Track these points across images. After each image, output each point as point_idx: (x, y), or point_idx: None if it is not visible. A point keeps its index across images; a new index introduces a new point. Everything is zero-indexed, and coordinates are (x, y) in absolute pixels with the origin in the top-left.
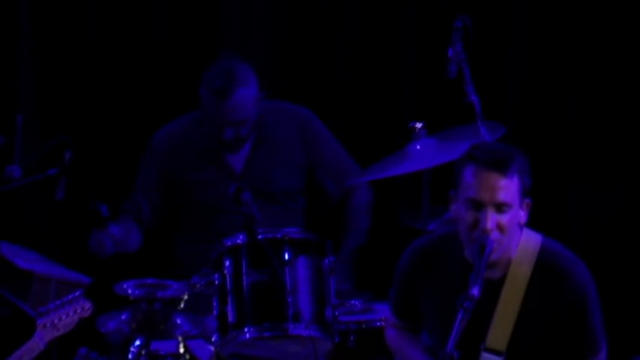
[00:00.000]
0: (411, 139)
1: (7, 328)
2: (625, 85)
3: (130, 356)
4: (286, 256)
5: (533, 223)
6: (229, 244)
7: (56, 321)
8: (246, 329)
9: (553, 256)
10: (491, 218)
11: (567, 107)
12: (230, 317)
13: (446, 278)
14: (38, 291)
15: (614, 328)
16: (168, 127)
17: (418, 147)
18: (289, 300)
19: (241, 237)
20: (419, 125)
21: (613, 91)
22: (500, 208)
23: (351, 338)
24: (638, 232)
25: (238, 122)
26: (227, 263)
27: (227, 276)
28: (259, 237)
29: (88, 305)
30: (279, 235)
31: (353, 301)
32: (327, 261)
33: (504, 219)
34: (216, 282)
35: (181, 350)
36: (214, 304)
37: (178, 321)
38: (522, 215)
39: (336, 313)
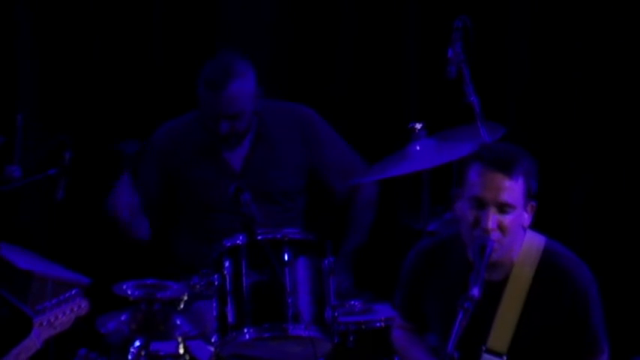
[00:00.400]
0: (411, 139)
1: (5, 326)
2: (626, 85)
3: (129, 357)
4: (286, 257)
5: (533, 223)
6: (229, 244)
7: (53, 319)
8: (245, 330)
9: (556, 257)
10: (493, 218)
11: (567, 108)
12: (230, 318)
13: (450, 279)
14: (37, 291)
15: (614, 328)
16: (168, 125)
17: (418, 147)
18: (289, 300)
19: (241, 238)
20: (419, 126)
21: (613, 91)
22: (502, 208)
23: (351, 339)
24: (639, 232)
25: (234, 115)
26: (227, 264)
27: (227, 277)
28: (259, 237)
29: (84, 304)
30: (278, 236)
31: (352, 302)
32: (326, 261)
33: (506, 220)
34: (216, 283)
35: (181, 351)
36: (214, 304)
37: (178, 322)
38: (526, 218)
39: (336, 314)
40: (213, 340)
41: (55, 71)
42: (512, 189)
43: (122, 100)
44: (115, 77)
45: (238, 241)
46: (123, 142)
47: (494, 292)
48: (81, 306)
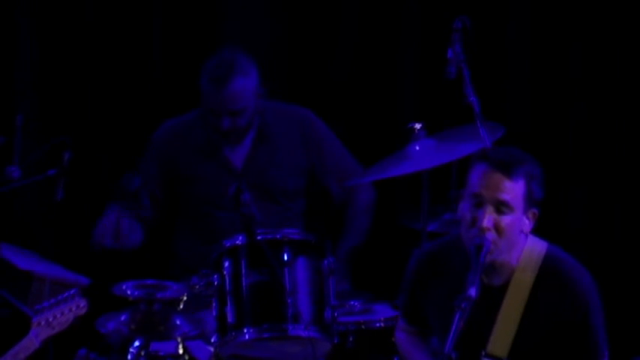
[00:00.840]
0: (411, 139)
1: (3, 326)
2: (626, 86)
3: (129, 357)
4: (285, 257)
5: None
6: (228, 244)
7: (51, 319)
8: (245, 330)
9: (557, 263)
10: (489, 217)
11: (567, 108)
12: (229, 318)
13: (452, 282)
14: (37, 291)
15: (614, 329)
16: (169, 123)
17: (417, 148)
18: (288, 301)
19: (240, 238)
20: (418, 126)
21: (614, 91)
22: (500, 208)
23: (350, 339)
24: (638, 233)
25: (236, 111)
26: (226, 264)
27: (226, 277)
28: (259, 238)
29: (83, 303)
30: (278, 236)
31: (352, 302)
32: (326, 262)
33: (503, 221)
34: (216, 283)
35: (180, 351)
36: (214, 304)
37: (178, 322)
38: (527, 224)
39: (336, 314)
40: (212, 340)
41: (55, 72)
42: (510, 189)
43: (122, 101)
44: (114, 77)
45: (238, 242)
46: (126, 177)
47: (495, 296)
48: (79, 306)
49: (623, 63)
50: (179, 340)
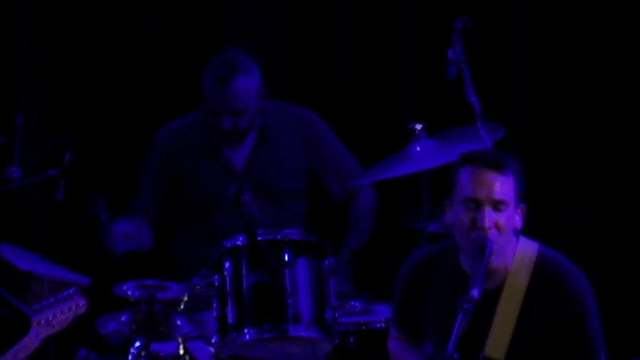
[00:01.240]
0: (411, 140)
1: (3, 325)
2: (626, 86)
3: (129, 357)
4: (286, 258)
5: (533, 225)
6: (229, 245)
7: (51, 318)
8: (246, 330)
9: (550, 264)
10: (490, 216)
11: (567, 108)
12: (230, 318)
13: (443, 289)
14: (37, 291)
15: (614, 329)
16: (170, 125)
17: (418, 148)
18: (289, 301)
19: (241, 238)
20: (419, 126)
21: (613, 91)
22: (497, 206)
23: (351, 339)
24: (638, 233)
25: (237, 111)
26: (227, 265)
27: (227, 277)
28: (259, 238)
29: (82, 302)
30: (279, 237)
31: (353, 303)
32: (326, 262)
33: (502, 218)
34: (216, 283)
35: (181, 352)
36: (214, 305)
37: (178, 322)
38: (518, 220)
39: (336, 315)
40: (213, 340)
41: (55, 72)
42: (504, 185)
43: (122, 101)
44: (115, 78)
45: (238, 242)
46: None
47: (490, 300)
48: (79, 304)
49: (623, 63)
50: (180, 340)
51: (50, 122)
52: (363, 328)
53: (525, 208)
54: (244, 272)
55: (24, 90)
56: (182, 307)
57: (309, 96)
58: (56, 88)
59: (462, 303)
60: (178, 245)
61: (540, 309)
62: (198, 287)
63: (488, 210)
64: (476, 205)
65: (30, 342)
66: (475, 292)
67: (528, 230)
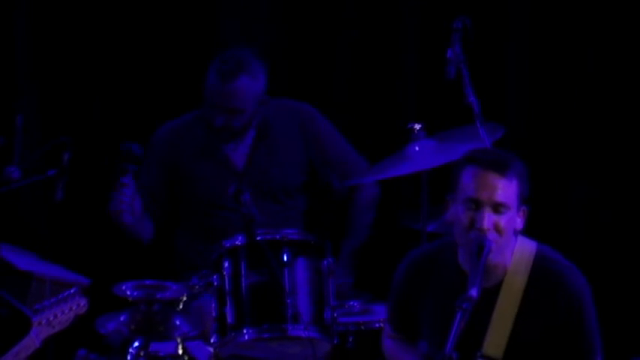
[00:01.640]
0: (410, 140)
1: (3, 326)
2: (625, 86)
3: (128, 357)
4: (285, 258)
5: (533, 225)
6: (228, 245)
7: (51, 318)
8: (245, 330)
9: (548, 263)
10: (489, 218)
11: (567, 108)
12: (229, 318)
13: (441, 288)
14: (36, 291)
15: (613, 328)
16: (169, 124)
17: (417, 148)
18: (288, 301)
19: (240, 238)
20: (418, 126)
21: (613, 91)
22: (497, 208)
23: (350, 339)
24: (638, 233)
25: (233, 110)
26: (226, 264)
27: (226, 277)
28: (258, 238)
29: (83, 302)
30: (277, 237)
31: (352, 302)
32: (325, 262)
33: (502, 220)
34: (215, 283)
35: (180, 351)
36: (213, 305)
37: (177, 322)
38: (519, 222)
39: (335, 315)
40: (212, 340)
41: (55, 72)
42: (506, 188)
43: (122, 101)
44: (114, 78)
45: (237, 242)
46: (129, 142)
47: (489, 298)
48: (80, 305)
49: (624, 63)
50: (179, 340)
51: (50, 122)
52: (362, 328)
53: (527, 210)
54: (243, 272)
55: (24, 90)
56: (181, 306)
57: (308, 96)
58: (56, 88)
59: (460, 302)
60: (178, 244)
61: (538, 308)
62: (197, 287)
63: (488, 211)
64: (476, 205)
65: (30, 342)
66: (474, 292)
67: (528, 230)
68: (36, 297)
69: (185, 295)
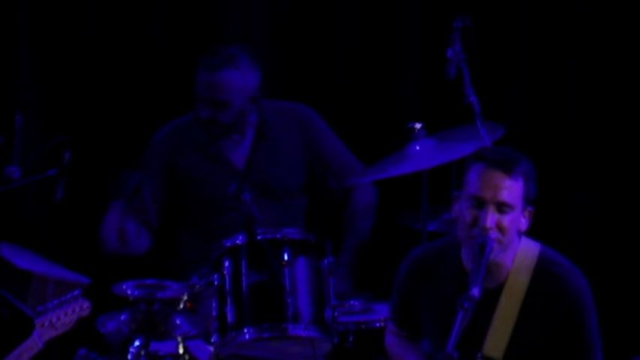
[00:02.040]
0: (411, 139)
1: (6, 327)
2: (625, 86)
3: (129, 357)
4: (286, 257)
5: (533, 225)
6: (229, 244)
7: (55, 320)
8: (245, 330)
9: (551, 264)
10: (492, 217)
11: (567, 108)
12: (229, 318)
13: (444, 286)
14: (37, 291)
15: (613, 328)
16: (169, 125)
17: (417, 147)
18: (289, 300)
19: (241, 237)
20: (418, 126)
21: (613, 91)
22: (501, 208)
23: (350, 339)
24: (638, 233)
25: (217, 103)
26: (226, 264)
27: (226, 276)
28: (259, 237)
29: (86, 304)
30: (278, 236)
31: (352, 302)
32: (326, 261)
33: (505, 220)
34: (216, 282)
35: (181, 351)
36: (214, 304)
37: (178, 321)
38: (523, 222)
39: (336, 314)
40: (212, 340)
41: (55, 71)
42: (511, 188)
43: (122, 100)
44: (115, 77)
45: (238, 241)
46: (125, 174)
47: (491, 299)
48: (83, 307)
49: (625, 62)
50: (179, 339)
51: (50, 122)
52: (363, 327)
53: (533, 211)
54: (244, 271)
55: (24, 89)
56: (181, 306)
57: (308, 95)
58: (56, 87)
59: (462, 302)
60: (180, 245)
61: (539, 309)
62: (197, 286)
63: (491, 210)
64: (480, 203)
65: (33, 344)
66: (475, 291)
67: (527, 233)
68: (37, 296)
69: (186, 294)
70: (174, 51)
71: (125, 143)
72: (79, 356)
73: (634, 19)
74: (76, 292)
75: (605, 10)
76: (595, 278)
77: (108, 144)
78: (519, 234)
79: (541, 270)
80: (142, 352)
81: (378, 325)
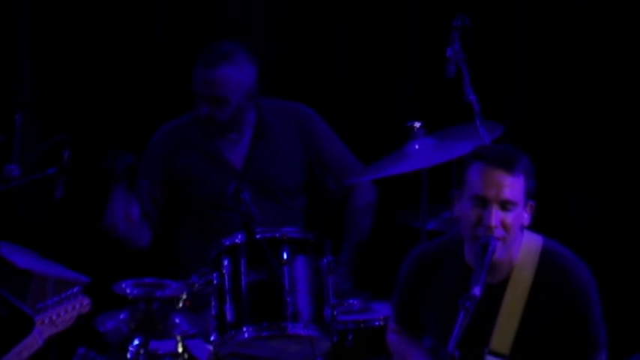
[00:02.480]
0: (410, 138)
1: (6, 325)
2: (625, 85)
3: (128, 355)
4: (285, 256)
5: (533, 225)
6: (228, 243)
7: (54, 317)
8: (244, 329)
9: (555, 257)
10: (496, 215)
11: (567, 107)
12: (229, 317)
13: (447, 284)
14: (36, 290)
15: (614, 327)
16: (168, 125)
17: (417, 146)
18: (288, 299)
19: (240, 236)
20: (417, 124)
21: (613, 90)
22: (505, 206)
23: (350, 338)
24: (638, 232)
25: (216, 99)
26: (226, 262)
27: (226, 275)
28: (258, 236)
29: (86, 301)
30: (277, 235)
31: (351, 301)
32: (325, 260)
33: (509, 217)
34: (215, 281)
35: (180, 350)
36: (213, 303)
37: (177, 320)
38: (526, 217)
39: (335, 313)
40: (212, 338)
41: (55, 71)
42: (513, 186)
43: (122, 99)
44: (114, 77)
45: (237, 240)
46: (110, 158)
47: (496, 293)
48: (83, 304)
49: (625, 61)
50: (178, 338)
51: (49, 120)
52: (362, 326)
53: (534, 205)
54: (243, 270)
55: (23, 88)
56: (180, 305)
57: (308, 94)
58: (56, 86)
59: (463, 301)
60: (178, 245)
61: (545, 302)
62: (196, 285)
63: (495, 209)
64: (484, 203)
65: (33, 341)
66: (477, 291)
67: (528, 228)
68: (37, 295)
69: (185, 293)
70: (174, 51)
71: (125, 142)
72: (78, 355)
73: (634, 18)
74: (75, 289)
75: (605, 9)
76: (595, 277)
77: (108, 142)
78: (522, 228)
79: (545, 263)
80: (141, 351)
81: (377, 324)
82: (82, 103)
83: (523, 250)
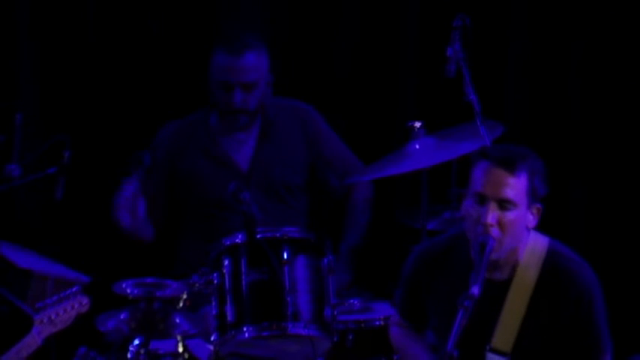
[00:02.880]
0: (410, 138)
1: (5, 324)
2: (626, 84)
3: (129, 355)
4: (285, 256)
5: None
6: (228, 243)
7: (54, 316)
8: (245, 328)
9: (559, 258)
10: (493, 214)
11: (567, 106)
12: (229, 316)
13: (452, 280)
14: (36, 290)
15: (614, 327)
16: (172, 125)
17: (417, 146)
18: (288, 299)
19: (240, 236)
20: (418, 124)
21: (614, 89)
22: (503, 205)
23: (350, 337)
24: (638, 232)
25: (249, 84)
26: (226, 262)
27: (226, 275)
28: (258, 236)
29: (85, 301)
30: (278, 235)
31: (352, 301)
32: (326, 260)
33: (507, 217)
34: (215, 281)
35: (180, 349)
36: (213, 303)
37: (177, 320)
38: (531, 219)
39: (335, 313)
40: (212, 338)
41: (55, 70)
42: (513, 185)
43: (122, 99)
44: (114, 77)
45: (238, 240)
46: (138, 153)
47: (499, 291)
48: (82, 303)
49: (624, 60)
50: (179, 338)
51: (49, 120)
52: (362, 326)
53: (541, 208)
54: (243, 270)
55: (23, 88)
56: (181, 304)
57: (308, 93)
58: (55, 86)
59: (462, 300)
60: (181, 244)
61: (549, 302)
62: (197, 285)
63: (492, 207)
64: (482, 200)
65: (32, 340)
66: (475, 290)
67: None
68: (37, 295)
69: (185, 293)
70: (174, 50)
71: (125, 142)
72: (78, 355)
73: (634, 18)
74: (74, 289)
75: (605, 9)
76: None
77: (108, 143)
78: (528, 229)
79: (550, 264)
80: (142, 351)
81: (377, 324)
82: (82, 103)
83: (528, 250)
